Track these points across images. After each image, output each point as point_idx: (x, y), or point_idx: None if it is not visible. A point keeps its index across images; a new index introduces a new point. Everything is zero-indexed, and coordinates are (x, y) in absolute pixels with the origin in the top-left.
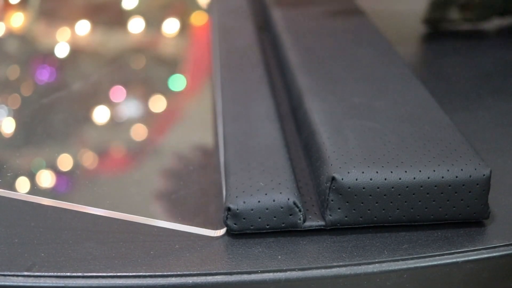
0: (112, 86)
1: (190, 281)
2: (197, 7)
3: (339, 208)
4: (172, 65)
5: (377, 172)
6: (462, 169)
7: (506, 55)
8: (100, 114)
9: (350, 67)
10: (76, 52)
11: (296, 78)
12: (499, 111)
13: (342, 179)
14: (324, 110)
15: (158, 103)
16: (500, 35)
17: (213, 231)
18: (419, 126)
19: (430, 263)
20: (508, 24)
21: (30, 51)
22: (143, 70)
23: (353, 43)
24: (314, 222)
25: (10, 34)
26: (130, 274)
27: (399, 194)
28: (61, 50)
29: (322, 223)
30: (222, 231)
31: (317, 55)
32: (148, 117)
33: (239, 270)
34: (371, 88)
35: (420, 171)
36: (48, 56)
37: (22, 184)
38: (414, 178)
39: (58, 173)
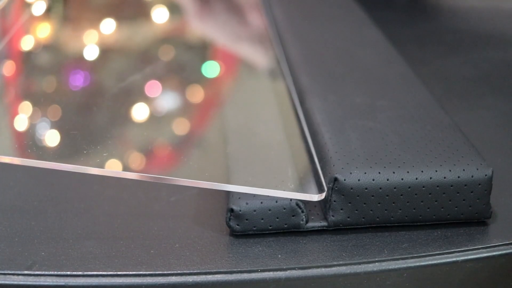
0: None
1: (190, 280)
2: None
3: (341, 209)
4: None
5: (379, 173)
6: (464, 169)
7: (506, 55)
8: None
9: (352, 67)
10: (107, 51)
11: (297, 78)
12: (499, 111)
13: (345, 179)
14: (325, 110)
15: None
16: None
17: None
18: (420, 126)
19: (430, 262)
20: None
21: (61, 59)
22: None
23: (354, 43)
24: (316, 223)
25: (39, 45)
26: (130, 273)
27: (401, 195)
28: (92, 53)
29: (325, 223)
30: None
31: (318, 55)
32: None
33: (239, 269)
34: (373, 88)
35: (422, 171)
36: (80, 60)
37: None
38: (416, 179)
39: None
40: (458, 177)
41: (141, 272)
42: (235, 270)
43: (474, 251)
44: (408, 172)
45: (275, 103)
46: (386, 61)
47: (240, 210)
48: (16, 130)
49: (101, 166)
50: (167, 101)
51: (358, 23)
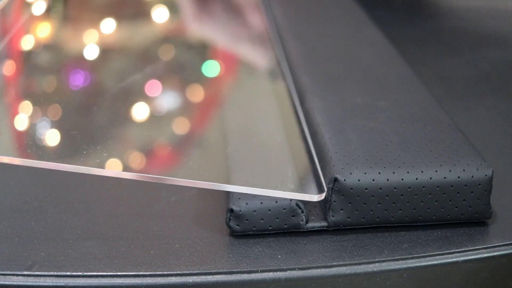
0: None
1: (190, 280)
2: None
3: (341, 209)
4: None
5: (379, 173)
6: (464, 170)
7: (506, 55)
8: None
9: (352, 67)
10: (107, 51)
11: (297, 78)
12: (499, 111)
13: (345, 180)
14: (325, 110)
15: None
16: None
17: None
18: (420, 126)
19: (430, 263)
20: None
21: (61, 59)
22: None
23: (354, 43)
24: (316, 223)
25: (40, 45)
26: (130, 273)
27: (402, 195)
28: (92, 52)
29: (325, 224)
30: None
31: (318, 55)
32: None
33: (239, 270)
34: (373, 88)
35: (422, 171)
36: (80, 60)
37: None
38: (416, 179)
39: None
40: (458, 177)
41: (141, 273)
42: (235, 270)
43: (474, 252)
44: (408, 172)
45: (275, 103)
46: (386, 61)
47: (240, 211)
48: (16, 130)
49: (101, 166)
50: (167, 101)
51: (358, 23)
